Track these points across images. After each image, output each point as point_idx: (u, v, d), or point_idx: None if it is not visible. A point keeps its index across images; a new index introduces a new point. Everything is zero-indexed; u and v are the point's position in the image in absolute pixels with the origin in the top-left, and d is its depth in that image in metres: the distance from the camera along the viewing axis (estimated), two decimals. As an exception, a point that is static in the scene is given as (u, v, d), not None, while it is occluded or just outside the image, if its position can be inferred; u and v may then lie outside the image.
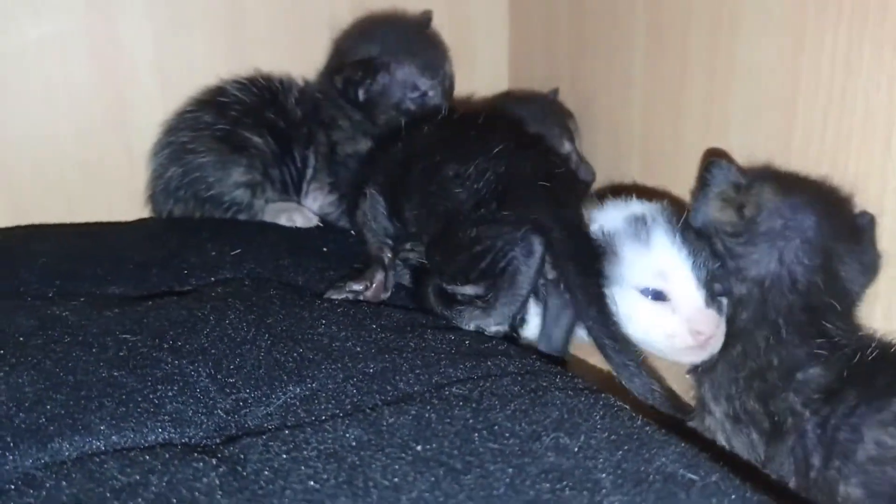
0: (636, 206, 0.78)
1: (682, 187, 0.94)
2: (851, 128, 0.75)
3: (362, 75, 0.99)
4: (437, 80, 1.03)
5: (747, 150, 0.86)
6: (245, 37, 1.12)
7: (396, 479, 0.50)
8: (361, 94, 1.00)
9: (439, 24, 1.10)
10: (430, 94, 1.02)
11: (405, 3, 1.12)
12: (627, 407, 0.61)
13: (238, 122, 1.01)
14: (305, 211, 1.03)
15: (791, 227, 0.70)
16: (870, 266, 0.71)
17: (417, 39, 1.04)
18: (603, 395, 0.62)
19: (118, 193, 1.09)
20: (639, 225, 0.75)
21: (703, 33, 0.89)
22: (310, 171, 1.04)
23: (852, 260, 0.70)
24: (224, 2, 1.10)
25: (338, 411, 0.59)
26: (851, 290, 0.70)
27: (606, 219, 0.77)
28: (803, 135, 0.79)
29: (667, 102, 0.95)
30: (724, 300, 0.74)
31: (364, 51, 1.02)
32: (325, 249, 0.91)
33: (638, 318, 0.74)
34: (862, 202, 0.74)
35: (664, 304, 0.74)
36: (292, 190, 1.04)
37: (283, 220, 1.02)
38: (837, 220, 0.71)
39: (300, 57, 1.10)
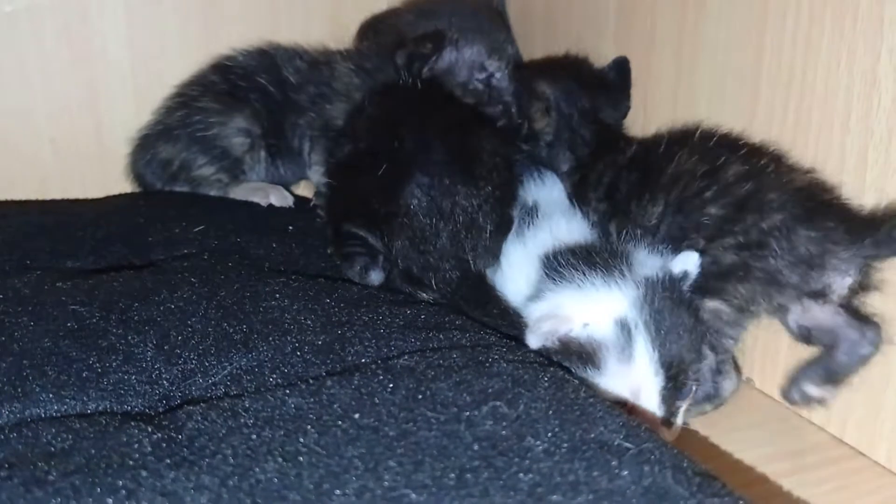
0: (619, 301, 0.70)
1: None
2: (812, 104, 0.74)
3: (432, 49, 0.92)
4: (504, 62, 0.95)
5: (714, 126, 0.86)
6: (219, 14, 1.11)
7: (330, 447, 0.50)
8: (426, 71, 0.92)
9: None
10: (497, 76, 0.94)
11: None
12: (576, 381, 0.61)
13: (235, 84, 1.03)
14: (282, 190, 1.03)
15: (567, 104, 0.90)
16: (618, 103, 0.93)
17: (485, 19, 1.00)
18: (552, 368, 0.62)
19: (90, 171, 1.09)
20: (624, 335, 0.68)
21: (670, 11, 0.89)
22: (307, 144, 1.03)
23: (607, 104, 0.91)
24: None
25: (282, 381, 0.59)
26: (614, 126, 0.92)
27: (595, 320, 0.70)
28: (766, 111, 0.79)
29: (636, 79, 0.94)
30: (685, 402, 0.71)
31: (429, 27, 0.97)
32: (290, 228, 0.90)
33: None
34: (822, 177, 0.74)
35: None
36: (280, 163, 1.05)
37: (258, 199, 1.01)
38: (591, 82, 0.92)
39: (274, 34, 1.09)
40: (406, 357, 0.61)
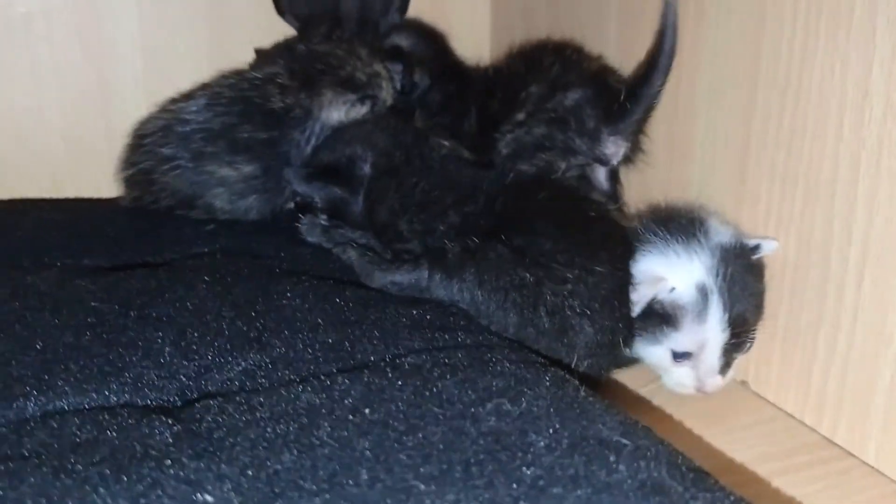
0: (700, 269, 0.78)
1: (652, 168, 0.96)
2: (807, 112, 0.77)
3: None
4: None
5: (712, 131, 0.88)
6: (227, 16, 1.13)
7: (342, 440, 0.52)
8: None
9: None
10: None
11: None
12: (576, 381, 0.63)
13: None
14: None
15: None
16: None
17: None
18: (553, 368, 0.64)
19: (100, 167, 1.11)
20: (702, 298, 0.77)
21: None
22: None
23: None
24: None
25: (294, 378, 0.62)
26: None
27: (680, 283, 0.78)
28: (762, 117, 0.81)
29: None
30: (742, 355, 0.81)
31: None
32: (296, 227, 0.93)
33: (659, 366, 0.83)
34: (814, 188, 0.76)
35: (686, 361, 0.80)
36: None
37: None
38: None
39: (281, 36, 1.11)
40: (413, 356, 0.64)
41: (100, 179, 1.10)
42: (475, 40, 1.22)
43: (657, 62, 0.86)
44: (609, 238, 0.79)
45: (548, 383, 0.60)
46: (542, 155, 0.90)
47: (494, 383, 0.59)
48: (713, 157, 0.88)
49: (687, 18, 0.89)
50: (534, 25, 1.14)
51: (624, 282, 0.78)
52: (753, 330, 0.80)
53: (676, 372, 0.81)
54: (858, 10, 0.70)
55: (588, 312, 0.74)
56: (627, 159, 0.94)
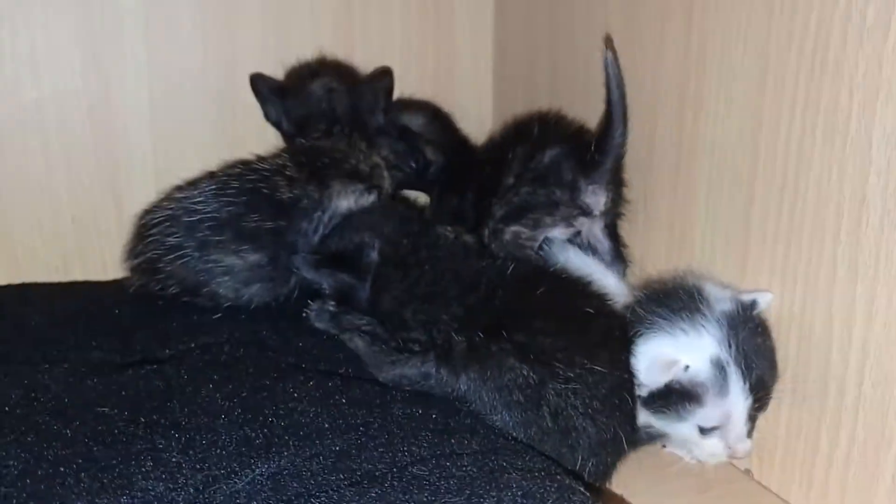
0: (712, 343, 0.79)
1: (653, 259, 0.98)
2: (804, 212, 0.78)
3: None
4: None
5: (711, 222, 0.90)
6: (237, 102, 1.15)
7: (350, 565, 0.53)
8: None
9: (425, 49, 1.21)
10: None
11: (389, 25, 1.19)
12: (581, 489, 0.64)
13: None
14: None
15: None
16: None
17: None
18: (558, 477, 0.65)
19: (109, 249, 1.13)
20: (720, 372, 0.78)
21: (670, 110, 0.93)
22: None
23: None
24: (218, 73, 1.15)
25: (302, 490, 0.62)
26: None
27: (693, 359, 0.79)
28: (761, 213, 0.83)
29: (637, 173, 0.98)
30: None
31: None
32: (304, 314, 0.94)
33: (688, 445, 0.84)
34: (814, 286, 0.78)
35: (714, 433, 0.81)
36: None
37: None
38: None
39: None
40: (419, 465, 0.64)
41: (109, 261, 1.12)
42: (479, 119, 1.25)
43: (613, 114, 0.90)
44: (608, 335, 0.80)
45: (553, 497, 0.61)
46: (530, 214, 0.94)
47: (501, 498, 0.60)
48: (713, 251, 0.90)
49: (685, 111, 0.91)
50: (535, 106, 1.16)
51: (625, 379, 0.79)
52: (773, 388, 0.80)
53: (706, 444, 0.81)
54: (854, 120, 0.72)
55: (590, 413, 0.75)
56: (618, 213, 0.97)
